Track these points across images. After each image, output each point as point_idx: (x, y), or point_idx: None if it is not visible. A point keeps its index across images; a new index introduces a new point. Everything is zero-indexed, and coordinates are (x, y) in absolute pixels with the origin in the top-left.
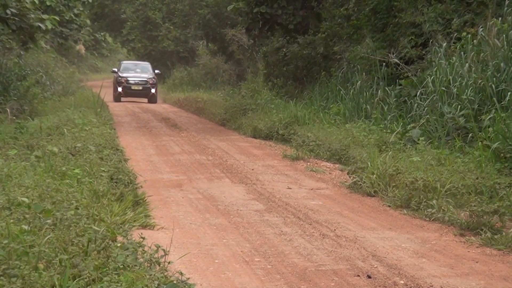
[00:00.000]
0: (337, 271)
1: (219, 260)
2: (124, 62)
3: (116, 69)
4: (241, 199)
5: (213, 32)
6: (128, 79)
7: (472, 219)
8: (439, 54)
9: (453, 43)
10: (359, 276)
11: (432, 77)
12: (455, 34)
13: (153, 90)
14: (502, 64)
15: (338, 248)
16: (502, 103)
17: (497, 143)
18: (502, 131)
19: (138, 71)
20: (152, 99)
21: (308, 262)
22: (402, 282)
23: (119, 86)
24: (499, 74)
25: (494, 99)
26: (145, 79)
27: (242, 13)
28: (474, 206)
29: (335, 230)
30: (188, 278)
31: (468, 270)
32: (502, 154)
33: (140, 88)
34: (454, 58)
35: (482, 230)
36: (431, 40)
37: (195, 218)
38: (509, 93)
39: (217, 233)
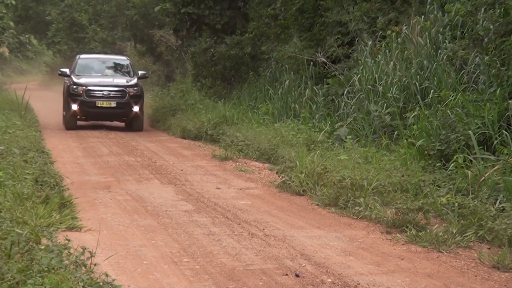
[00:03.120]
0: (265, 270)
1: (147, 261)
2: (83, 57)
3: (67, 70)
4: (170, 200)
5: (141, 33)
6: (90, 88)
7: (398, 216)
8: (365, 53)
9: (379, 41)
10: (287, 275)
11: (358, 76)
12: (380, 33)
13: (135, 108)
14: (425, 62)
15: (266, 247)
16: (426, 100)
17: (421, 141)
18: (426, 128)
19: (107, 73)
20: (136, 124)
21: (237, 261)
22: (330, 280)
23: (73, 102)
24: (422, 72)
25: (418, 97)
26: (121, 88)
27: (170, 14)
28: (400, 203)
29: (263, 229)
30: (114, 280)
31: (394, 267)
32: (426, 152)
33: (113, 104)
34: (379, 56)
35: (407, 227)
36: (357, 39)
37: (123, 219)
38: (432, 90)
39: (145, 234)
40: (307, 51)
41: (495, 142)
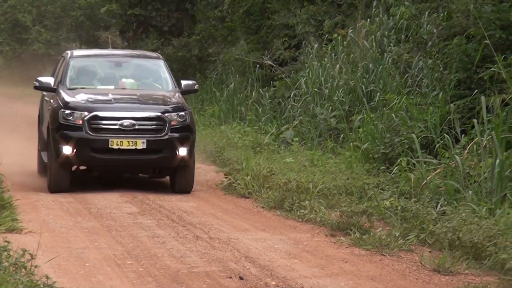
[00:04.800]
0: (209, 273)
1: (90, 263)
2: (79, 54)
3: (50, 80)
4: (114, 202)
5: (87, 34)
6: (97, 115)
7: (342, 219)
8: (311, 56)
9: (325, 44)
10: (231, 277)
11: (305, 79)
12: (326, 36)
13: (182, 151)
14: (370, 65)
15: (211, 250)
16: (371, 103)
17: (366, 144)
18: (371, 132)
19: (126, 85)
20: (181, 182)
21: (181, 264)
22: (274, 283)
23: (65, 141)
24: (368, 75)
25: (364, 100)
26: (156, 114)
27: (116, 15)
28: (344, 206)
29: (208, 232)
30: (55, 282)
31: (337, 270)
32: (371, 155)
33: (140, 144)
34: (326, 59)
35: (351, 230)
36: (303, 42)
37: (65, 221)
38: (377, 94)
39: (88, 236)
40: (254, 54)
41: (437, 145)
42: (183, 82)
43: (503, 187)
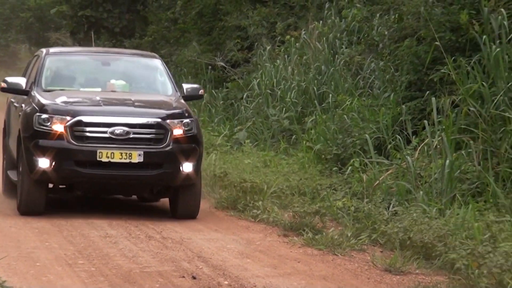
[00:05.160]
0: (162, 272)
1: (40, 263)
2: (55, 51)
3: (20, 81)
4: (65, 202)
5: (36, 35)
6: (82, 120)
7: (295, 219)
8: (264, 57)
9: (278, 46)
10: (184, 277)
11: (257, 80)
12: (279, 38)
13: (187, 167)
14: (323, 67)
15: (164, 249)
16: (323, 105)
17: (318, 145)
18: (324, 133)
19: (117, 87)
20: (184, 205)
21: (133, 264)
22: (226, 282)
23: (40, 152)
24: (320, 77)
25: (316, 101)
26: (155, 120)
27: (66, 16)
28: (297, 207)
29: (161, 232)
30: (5, 281)
31: (290, 270)
32: (323, 156)
33: (136, 157)
34: (278, 61)
35: (304, 230)
36: (256, 43)
37: (15, 221)
38: (330, 95)
39: (39, 236)
40: (206, 55)
41: (389, 146)
42: (185, 86)
43: (453, 188)
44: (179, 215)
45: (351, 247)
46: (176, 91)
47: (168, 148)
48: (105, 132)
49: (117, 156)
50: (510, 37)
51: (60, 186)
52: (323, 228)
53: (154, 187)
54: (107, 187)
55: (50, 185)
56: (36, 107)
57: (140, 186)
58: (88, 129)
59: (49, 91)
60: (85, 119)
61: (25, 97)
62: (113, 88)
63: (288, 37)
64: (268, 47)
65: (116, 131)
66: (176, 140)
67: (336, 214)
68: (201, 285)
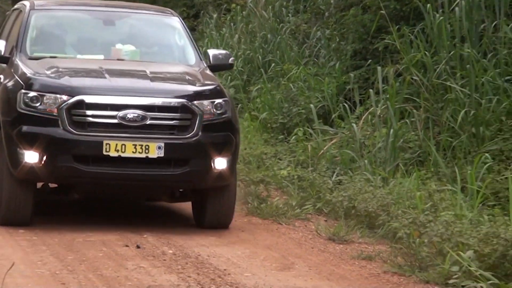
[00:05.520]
0: (106, 241)
1: None
2: (42, 3)
3: None
4: None
5: None
6: (84, 100)
7: (240, 188)
8: (210, 26)
9: (224, 14)
10: (128, 246)
11: (204, 48)
12: (225, 6)
13: (221, 162)
14: (269, 36)
15: (107, 219)
16: (269, 74)
17: (264, 114)
18: (269, 102)
19: (125, 54)
20: (215, 212)
21: (76, 233)
22: (171, 251)
23: (27, 142)
24: (266, 45)
25: (262, 70)
26: (179, 101)
27: None
28: (242, 175)
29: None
30: None
31: (235, 239)
32: (269, 125)
33: (154, 150)
34: (224, 29)
35: (249, 199)
36: (202, 12)
37: None
38: (275, 64)
39: None
40: None
41: (334, 115)
42: (211, 53)
43: (396, 157)
44: (207, 225)
45: (296, 216)
46: (201, 59)
47: (196, 138)
48: (113, 117)
49: (130, 149)
50: (453, 6)
51: (51, 185)
52: (267, 197)
53: (176, 189)
54: (115, 189)
55: (39, 185)
56: (20, 81)
57: (159, 188)
58: (91, 112)
59: (36, 58)
60: (88, 98)
61: (4, 65)
62: (120, 56)
63: (234, 5)
64: (215, 15)
65: (128, 115)
66: (207, 127)
67: (280, 183)
68: (145, 254)
